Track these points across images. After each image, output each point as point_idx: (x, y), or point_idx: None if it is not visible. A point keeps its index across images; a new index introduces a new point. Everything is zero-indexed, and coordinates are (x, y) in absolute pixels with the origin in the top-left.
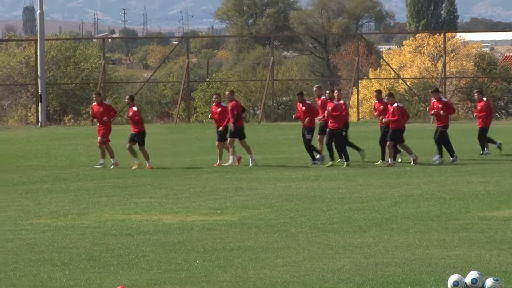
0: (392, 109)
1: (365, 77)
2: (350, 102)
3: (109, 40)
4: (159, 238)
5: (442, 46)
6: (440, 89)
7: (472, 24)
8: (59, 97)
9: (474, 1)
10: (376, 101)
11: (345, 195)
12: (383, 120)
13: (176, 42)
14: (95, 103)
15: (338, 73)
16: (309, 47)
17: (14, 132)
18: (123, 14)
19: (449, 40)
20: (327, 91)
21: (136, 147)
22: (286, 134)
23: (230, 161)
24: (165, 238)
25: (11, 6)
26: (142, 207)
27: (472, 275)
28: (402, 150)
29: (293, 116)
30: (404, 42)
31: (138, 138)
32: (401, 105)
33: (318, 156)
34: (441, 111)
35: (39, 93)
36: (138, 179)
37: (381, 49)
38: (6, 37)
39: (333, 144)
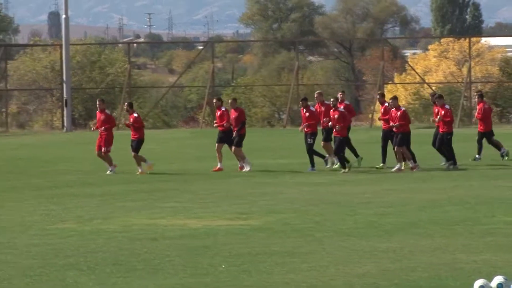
0: (400, 113)
1: (390, 82)
2: (375, 107)
3: (134, 44)
4: (184, 242)
5: (467, 50)
6: (466, 94)
7: (497, 29)
8: (85, 101)
9: (499, 5)
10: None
11: (371, 200)
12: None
13: (201, 47)
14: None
15: (363, 78)
16: (334, 52)
17: (40, 136)
18: (148, 19)
19: (474, 44)
20: (332, 99)
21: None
22: None
23: (248, 168)
24: (191, 243)
25: (36, 11)
26: (167, 212)
27: (497, 280)
28: (397, 155)
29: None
30: (429, 47)
31: (135, 144)
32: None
33: (326, 157)
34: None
35: (65, 98)
36: (164, 183)
37: (406, 54)
38: (32, 42)
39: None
